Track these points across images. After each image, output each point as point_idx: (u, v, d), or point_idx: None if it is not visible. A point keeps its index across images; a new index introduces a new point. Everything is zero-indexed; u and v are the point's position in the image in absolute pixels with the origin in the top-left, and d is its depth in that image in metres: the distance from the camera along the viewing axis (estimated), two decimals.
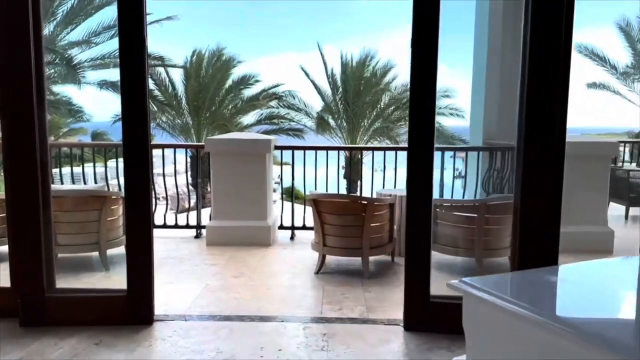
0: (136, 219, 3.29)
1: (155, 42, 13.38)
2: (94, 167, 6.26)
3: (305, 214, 6.09)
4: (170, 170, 7.68)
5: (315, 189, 6.11)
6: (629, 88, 16.18)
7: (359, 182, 12.30)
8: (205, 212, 6.10)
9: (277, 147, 5.85)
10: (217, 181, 5.69)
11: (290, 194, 6.07)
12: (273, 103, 17.94)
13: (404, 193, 5.19)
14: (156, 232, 6.50)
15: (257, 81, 17.36)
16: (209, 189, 15.13)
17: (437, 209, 4.68)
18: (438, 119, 12.51)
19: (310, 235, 6.10)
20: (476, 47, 8.65)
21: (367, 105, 16.50)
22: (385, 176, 6.59)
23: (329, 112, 17.42)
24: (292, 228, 6.09)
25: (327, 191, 6.00)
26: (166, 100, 15.64)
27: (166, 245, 5.65)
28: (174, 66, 15.29)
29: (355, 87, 16.30)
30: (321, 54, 16.72)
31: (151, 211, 3.42)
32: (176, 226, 6.15)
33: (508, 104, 8.14)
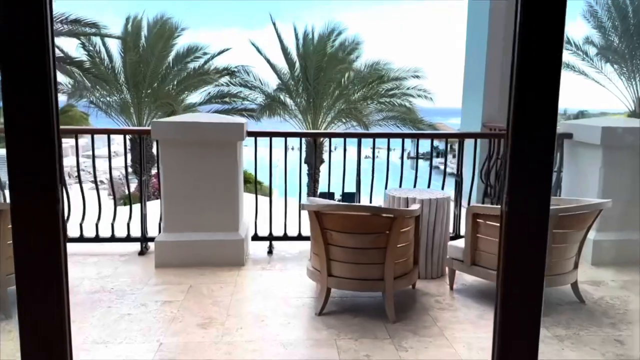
0: (33, 242, 1.80)
1: (86, 6, 11.24)
2: None
3: (285, 220, 4.71)
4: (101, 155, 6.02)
5: (271, 182, 4.73)
6: (594, 68, 15.70)
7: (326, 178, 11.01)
8: (153, 212, 4.57)
9: (250, 134, 4.40)
10: (169, 180, 4.17)
11: (269, 194, 4.64)
12: (224, 80, 16.15)
13: (428, 195, 3.93)
14: (84, 248, 4.57)
15: (205, 53, 15.46)
16: (154, 174, 13.37)
17: (479, 219, 3.46)
18: (406, 100, 11.13)
19: (291, 247, 4.75)
20: (472, 24, 7.54)
21: (330, 84, 15.10)
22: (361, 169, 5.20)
23: (286, 92, 15.88)
24: (270, 239, 4.69)
25: (285, 186, 4.64)
26: (100, 73, 13.50)
27: (98, 269, 4.11)
28: (108, 36, 13.16)
29: (317, 64, 14.83)
30: (274, 24, 15.04)
31: (60, 229, 1.93)
32: (113, 239, 4.59)
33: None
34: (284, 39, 15.22)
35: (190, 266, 4.12)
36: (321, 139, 14.82)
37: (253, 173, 4.73)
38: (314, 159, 13.70)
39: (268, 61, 15.40)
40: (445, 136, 5.88)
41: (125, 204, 7.37)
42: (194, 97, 16.15)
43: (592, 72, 14.54)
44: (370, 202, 4.82)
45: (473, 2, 7.51)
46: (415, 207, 3.37)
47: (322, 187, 17.45)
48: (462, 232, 4.08)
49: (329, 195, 5.21)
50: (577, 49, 14.36)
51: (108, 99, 15.22)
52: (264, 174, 4.65)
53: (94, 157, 4.61)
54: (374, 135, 5.34)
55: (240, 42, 16.61)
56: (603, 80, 14.58)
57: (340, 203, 3.48)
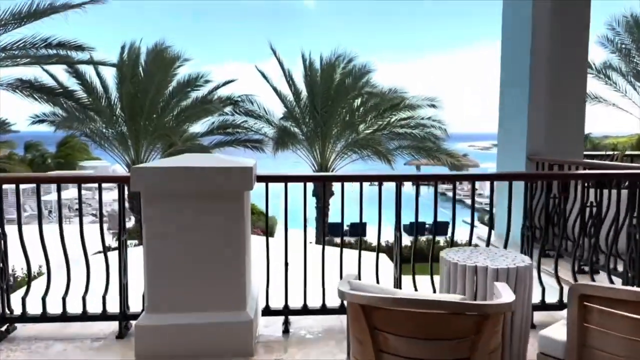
0: None
1: (78, 31, 10.47)
2: None
3: (305, 287, 3.68)
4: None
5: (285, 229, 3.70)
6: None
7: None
8: (135, 274, 3.54)
9: (260, 179, 3.42)
10: (154, 244, 3.16)
11: (285, 257, 3.60)
12: (227, 110, 15.34)
13: (503, 261, 2.91)
14: (47, 329, 3.48)
15: (207, 81, 14.69)
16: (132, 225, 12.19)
17: (590, 302, 2.43)
18: (422, 130, 10.22)
19: (314, 323, 3.70)
20: (508, 48, 6.67)
21: (340, 112, 14.23)
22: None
23: (292, 120, 15.02)
24: (286, 313, 3.65)
25: (305, 241, 3.61)
26: (92, 104, 12.63)
27: None
28: (102, 63, 12.38)
29: (325, 91, 13.98)
30: (273, 51, 14.23)
31: None
32: (85, 317, 3.55)
33: (561, 114, 6.17)
34: (289, 67, 14.52)
35: (182, 357, 3.07)
36: (330, 168, 13.91)
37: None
38: (322, 191, 12.77)
39: (274, 89, 14.61)
40: (494, 178, 4.51)
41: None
42: (196, 128, 15.34)
43: None
44: (379, 236, 3.82)
45: (508, 20, 6.64)
46: (507, 294, 2.34)
47: (331, 218, 16.59)
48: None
49: (340, 226, 4.15)
50: None
51: (103, 130, 14.38)
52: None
53: (60, 208, 3.61)
54: (402, 179, 4.12)
55: (243, 75, 15.87)
56: None
57: (404, 295, 2.40)
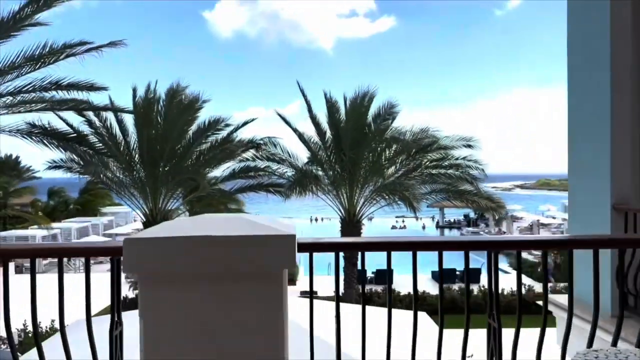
0: None
1: (92, 73, 9.91)
2: None
3: None
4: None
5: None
6: None
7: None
8: None
9: (303, 247, 2.46)
10: (155, 350, 2.18)
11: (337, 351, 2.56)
12: (249, 154, 14.63)
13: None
14: None
15: (227, 125, 14.05)
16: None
17: None
18: (461, 171, 9.00)
19: None
20: (578, 76, 5.75)
21: (367, 153, 13.35)
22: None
23: (317, 164, 14.19)
24: None
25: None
26: (107, 149, 12.00)
27: None
28: (118, 110, 11.83)
29: (352, 132, 13.16)
30: (302, 91, 13.57)
31: None
32: None
33: None
34: (312, 108, 13.76)
35: None
36: (359, 215, 12.92)
37: None
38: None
39: (295, 131, 13.84)
40: (571, 245, 2.95)
41: None
42: (216, 172, 14.62)
43: None
44: (415, 285, 2.77)
45: (576, 44, 5.73)
46: None
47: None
48: None
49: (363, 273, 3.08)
50: None
51: (120, 176, 13.75)
52: None
53: (33, 290, 2.67)
54: (447, 246, 2.88)
55: (262, 121, 15.25)
56: None
57: None
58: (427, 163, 13.22)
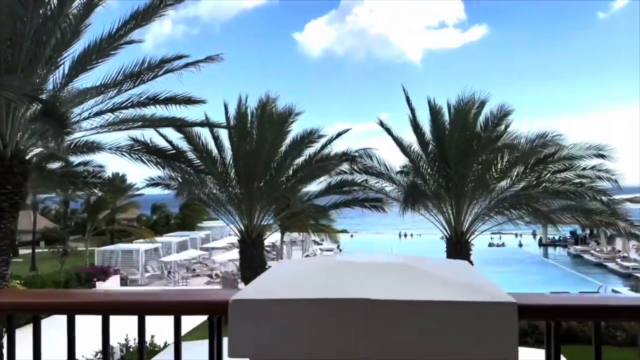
0: None
1: (189, 89, 9.68)
2: None
3: None
4: None
5: None
6: None
7: None
8: None
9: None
10: None
11: None
12: (343, 167, 13.86)
13: None
14: None
15: (321, 136, 13.39)
16: None
17: None
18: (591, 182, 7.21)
19: None
20: None
21: (476, 164, 12.00)
22: None
23: (419, 177, 13.06)
24: None
25: None
26: (205, 166, 11.82)
27: None
28: (215, 125, 11.65)
29: (458, 143, 11.88)
30: (407, 97, 12.54)
31: None
32: None
33: None
34: (403, 125, 12.72)
35: None
36: (467, 233, 11.58)
37: None
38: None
39: (396, 140, 12.78)
40: None
41: None
42: (310, 187, 14.03)
43: None
44: None
45: None
46: None
47: None
48: None
49: None
50: None
51: (216, 192, 13.63)
52: None
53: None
54: None
55: (353, 135, 14.37)
56: None
57: None
58: (548, 175, 11.54)
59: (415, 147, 12.68)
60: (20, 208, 8.42)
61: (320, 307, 1.24)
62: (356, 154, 13.28)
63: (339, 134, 13.08)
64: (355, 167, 13.44)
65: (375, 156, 13.31)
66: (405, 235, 72.96)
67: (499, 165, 11.86)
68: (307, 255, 42.59)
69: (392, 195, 13.14)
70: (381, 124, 12.83)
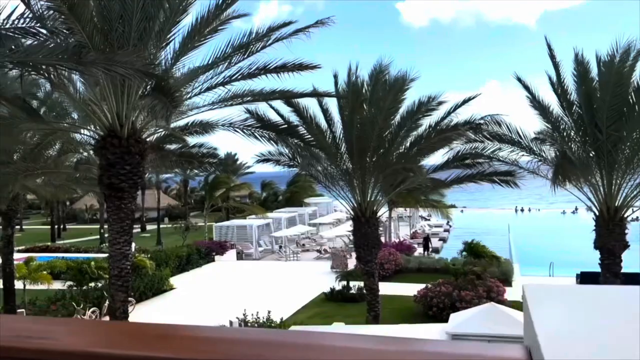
0: None
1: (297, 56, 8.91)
2: None
3: None
4: None
5: None
6: None
7: None
8: None
9: None
10: None
11: None
12: (462, 140, 12.34)
13: None
14: None
15: (440, 103, 11.99)
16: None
17: None
18: None
19: None
20: None
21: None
22: None
23: (559, 144, 11.17)
24: None
25: None
26: (314, 140, 11.08)
27: None
28: (331, 95, 10.81)
29: (613, 102, 9.84)
30: (549, 46, 10.59)
31: None
32: None
33: None
34: (555, 72, 10.77)
35: None
36: (622, 210, 9.64)
37: None
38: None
39: (534, 99, 10.95)
40: None
41: None
42: (429, 160, 12.79)
43: None
44: None
45: None
46: None
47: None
48: None
49: None
50: None
51: (328, 168, 12.94)
52: None
53: None
54: None
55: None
56: None
57: None
58: None
59: (556, 109, 10.82)
60: (139, 188, 8.42)
61: None
62: (481, 121, 11.72)
63: (464, 101, 11.54)
64: (480, 136, 11.90)
65: (505, 123, 11.64)
66: (522, 210, 67.73)
67: None
68: (415, 232, 40.98)
69: (527, 167, 11.43)
70: (519, 79, 11.07)
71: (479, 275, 17.92)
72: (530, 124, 15.88)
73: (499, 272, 21.05)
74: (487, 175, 12.22)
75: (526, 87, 10.94)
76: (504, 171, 11.98)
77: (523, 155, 11.28)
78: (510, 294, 18.21)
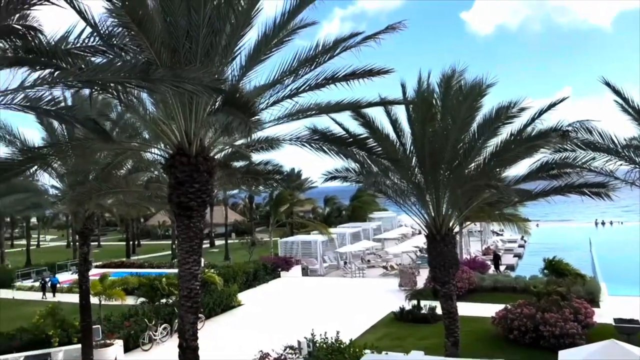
0: None
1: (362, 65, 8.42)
2: None
3: None
4: None
5: None
6: None
7: None
8: None
9: None
10: None
11: None
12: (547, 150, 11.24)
13: None
14: None
15: (522, 109, 11.01)
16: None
17: None
18: None
19: None
20: None
21: None
22: None
23: None
24: None
25: None
26: (384, 153, 10.43)
27: None
28: (401, 103, 10.20)
29: None
30: None
31: None
32: None
33: None
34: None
35: None
36: None
37: None
38: None
39: (626, 102, 9.83)
40: None
41: None
42: (510, 172, 11.77)
43: None
44: None
45: None
46: None
47: None
48: None
49: None
50: None
51: (398, 182, 12.27)
52: None
53: None
54: None
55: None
56: None
57: None
58: None
59: None
60: (207, 206, 8.23)
61: None
62: (569, 127, 10.62)
63: (550, 105, 10.48)
64: (567, 144, 10.79)
65: (596, 129, 10.48)
66: (603, 224, 63.08)
67: None
68: (488, 247, 38.93)
69: (623, 177, 10.20)
70: (607, 84, 9.98)
71: (564, 296, 16.45)
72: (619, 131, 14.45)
73: (584, 291, 19.38)
74: (576, 187, 11.06)
75: (617, 92, 9.82)
76: (596, 182, 10.78)
77: (622, 164, 10.07)
78: (600, 316, 16.62)
